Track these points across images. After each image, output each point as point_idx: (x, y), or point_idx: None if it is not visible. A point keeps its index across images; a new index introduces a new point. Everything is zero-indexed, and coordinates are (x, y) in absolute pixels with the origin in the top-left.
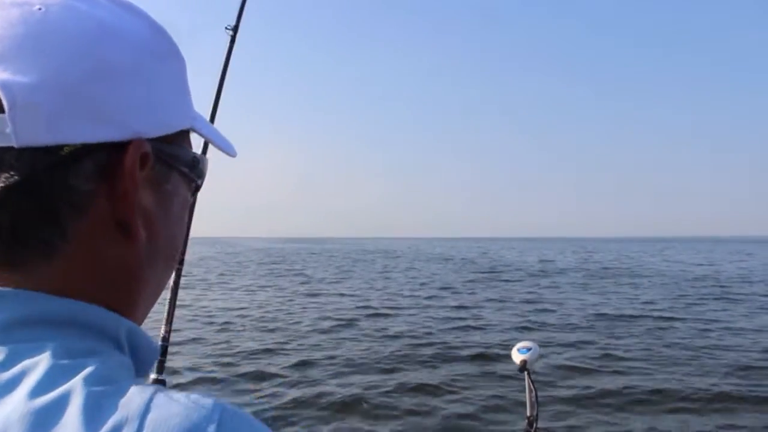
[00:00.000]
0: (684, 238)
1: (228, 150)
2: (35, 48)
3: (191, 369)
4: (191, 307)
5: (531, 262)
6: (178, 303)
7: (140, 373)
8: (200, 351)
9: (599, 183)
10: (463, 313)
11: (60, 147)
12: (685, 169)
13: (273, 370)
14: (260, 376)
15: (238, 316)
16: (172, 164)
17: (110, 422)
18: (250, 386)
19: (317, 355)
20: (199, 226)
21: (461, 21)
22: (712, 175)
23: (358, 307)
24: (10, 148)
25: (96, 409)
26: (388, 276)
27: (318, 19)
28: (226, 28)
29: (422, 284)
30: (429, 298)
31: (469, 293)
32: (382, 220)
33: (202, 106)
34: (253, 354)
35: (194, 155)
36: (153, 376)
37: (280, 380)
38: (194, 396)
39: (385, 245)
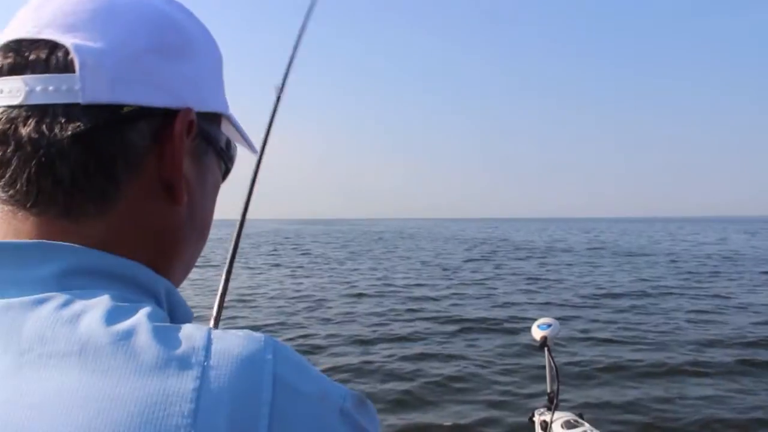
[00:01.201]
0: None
1: (251, 146)
2: (105, 21)
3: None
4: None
5: (540, 241)
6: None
7: None
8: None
9: (614, 164)
10: (481, 289)
11: (120, 107)
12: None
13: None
14: None
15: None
16: (210, 141)
17: (180, 350)
18: None
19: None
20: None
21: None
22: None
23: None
24: (77, 104)
25: (165, 339)
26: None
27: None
28: (274, 87)
29: (424, 263)
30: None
31: (472, 271)
32: (395, 202)
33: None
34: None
35: (228, 138)
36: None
37: None
38: (247, 331)
39: (399, 226)
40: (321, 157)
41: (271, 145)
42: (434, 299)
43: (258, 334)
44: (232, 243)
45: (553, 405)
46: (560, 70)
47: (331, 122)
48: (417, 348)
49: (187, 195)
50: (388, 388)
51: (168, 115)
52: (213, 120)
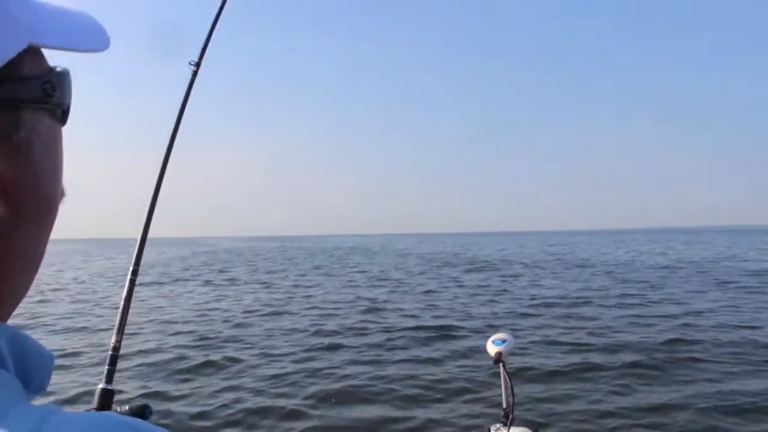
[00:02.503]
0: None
1: (94, 45)
2: None
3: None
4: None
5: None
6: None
7: (33, 388)
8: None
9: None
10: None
11: None
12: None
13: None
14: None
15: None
16: (16, 106)
17: None
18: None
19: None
20: (165, 227)
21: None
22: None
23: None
24: None
25: None
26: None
27: (281, 15)
28: (189, 63)
29: (382, 279)
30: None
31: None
32: (349, 217)
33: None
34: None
35: (46, 80)
36: (101, 386)
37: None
38: (94, 416)
39: (356, 242)
40: (273, 172)
41: (221, 157)
42: (390, 310)
43: (111, 421)
44: (134, 255)
45: (509, 420)
46: (504, 81)
47: (281, 135)
48: (371, 363)
49: (3, 195)
50: (337, 403)
51: None
52: (10, 73)
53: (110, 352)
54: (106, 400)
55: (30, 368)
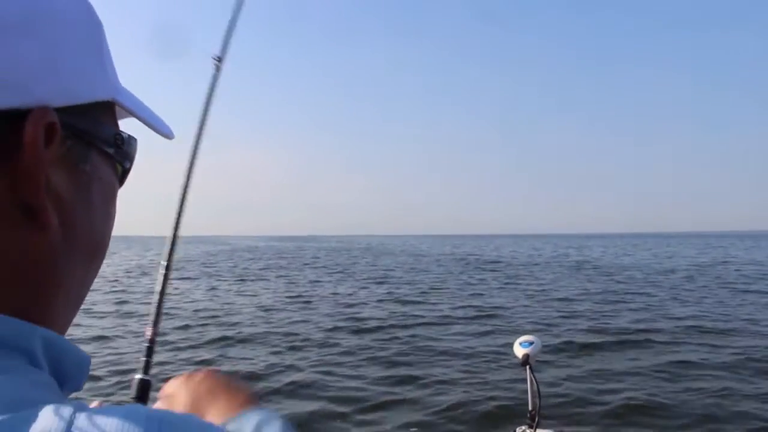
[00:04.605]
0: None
1: (162, 129)
2: None
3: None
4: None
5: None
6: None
7: (68, 389)
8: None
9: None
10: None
11: None
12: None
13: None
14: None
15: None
16: (90, 141)
17: None
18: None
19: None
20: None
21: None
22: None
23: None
24: None
25: None
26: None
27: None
28: (212, 57)
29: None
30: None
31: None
32: (361, 217)
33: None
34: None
35: (118, 133)
36: (138, 376)
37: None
38: (124, 410)
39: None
40: (296, 174)
41: (238, 156)
42: (415, 313)
43: (140, 416)
44: (167, 249)
45: (534, 423)
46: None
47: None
48: (398, 365)
49: (59, 215)
50: (367, 400)
51: (12, 118)
52: (93, 111)
53: (146, 344)
54: (144, 390)
55: (65, 369)
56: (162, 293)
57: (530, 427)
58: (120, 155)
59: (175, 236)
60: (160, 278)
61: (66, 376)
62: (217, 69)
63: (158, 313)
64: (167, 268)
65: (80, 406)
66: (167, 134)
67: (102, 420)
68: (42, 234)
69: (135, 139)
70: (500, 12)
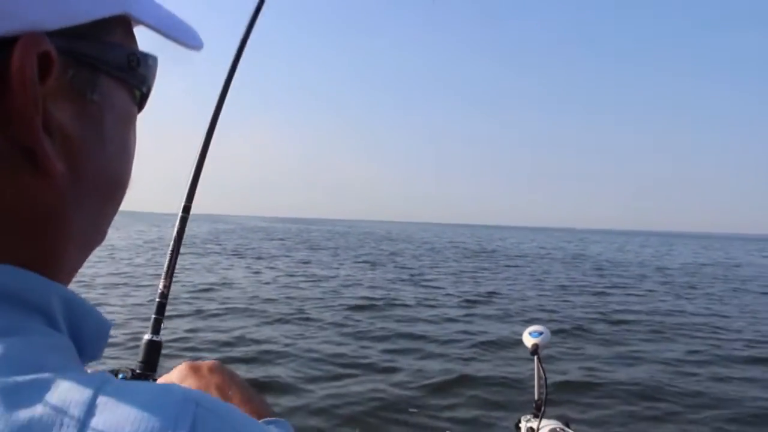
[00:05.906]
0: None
1: (188, 41)
2: None
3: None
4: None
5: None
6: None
7: (86, 357)
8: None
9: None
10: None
11: None
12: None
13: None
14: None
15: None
16: (96, 65)
17: (38, 428)
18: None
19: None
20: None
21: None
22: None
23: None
24: None
25: (14, 406)
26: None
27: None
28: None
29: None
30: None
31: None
32: (365, 202)
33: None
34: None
35: (132, 52)
36: (147, 337)
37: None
38: (158, 387)
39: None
40: (305, 154)
41: (244, 137)
42: (419, 304)
43: (171, 397)
44: (186, 191)
45: (540, 412)
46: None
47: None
48: (404, 353)
49: (67, 157)
50: (370, 387)
51: (1, 46)
52: (98, 32)
53: (157, 299)
54: (153, 352)
55: (85, 334)
56: (179, 240)
57: (535, 416)
58: (135, 78)
59: (198, 173)
60: (177, 223)
61: (85, 342)
62: (261, 2)
63: (172, 264)
64: (186, 210)
65: (106, 379)
66: (195, 46)
67: (131, 395)
68: (47, 181)
69: (154, 57)
70: (500, 10)
